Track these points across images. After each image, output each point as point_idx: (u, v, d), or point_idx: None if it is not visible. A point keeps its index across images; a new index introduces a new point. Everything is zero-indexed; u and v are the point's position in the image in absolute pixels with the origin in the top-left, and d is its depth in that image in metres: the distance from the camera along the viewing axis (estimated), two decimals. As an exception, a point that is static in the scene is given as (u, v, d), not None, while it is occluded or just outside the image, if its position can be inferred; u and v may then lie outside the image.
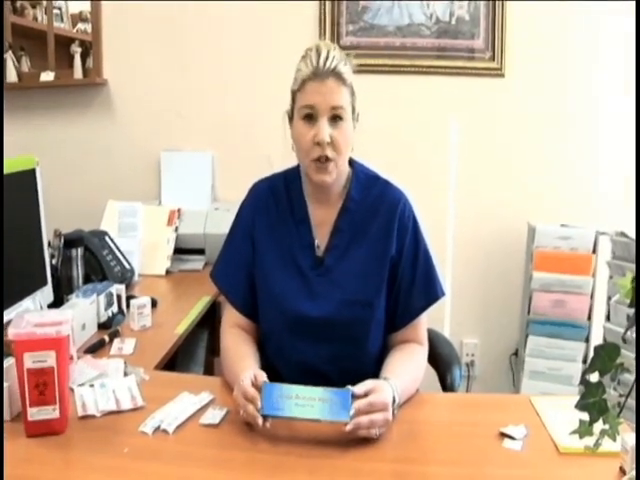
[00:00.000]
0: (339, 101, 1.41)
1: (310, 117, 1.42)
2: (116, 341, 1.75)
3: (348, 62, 1.44)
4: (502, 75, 2.82)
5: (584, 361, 2.68)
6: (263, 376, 1.27)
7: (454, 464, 1.16)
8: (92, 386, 1.39)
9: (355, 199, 1.53)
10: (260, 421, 1.19)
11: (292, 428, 1.24)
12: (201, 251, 2.67)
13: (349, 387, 1.23)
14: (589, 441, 0.95)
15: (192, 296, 2.22)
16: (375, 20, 2.81)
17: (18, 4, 3.01)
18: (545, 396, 1.44)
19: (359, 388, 1.23)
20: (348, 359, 1.49)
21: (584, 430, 0.95)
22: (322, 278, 1.50)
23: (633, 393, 0.93)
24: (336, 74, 1.40)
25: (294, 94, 1.46)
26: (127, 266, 2.32)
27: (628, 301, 0.95)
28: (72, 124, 2.97)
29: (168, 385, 1.44)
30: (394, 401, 1.25)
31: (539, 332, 2.73)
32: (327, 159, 1.43)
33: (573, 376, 2.69)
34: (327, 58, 1.40)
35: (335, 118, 1.41)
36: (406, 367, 1.41)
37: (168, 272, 2.56)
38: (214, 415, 1.29)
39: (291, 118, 1.49)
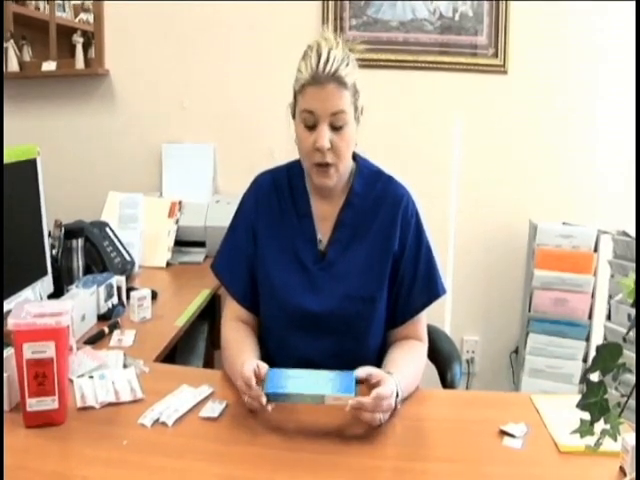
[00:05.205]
0: (339, 106, 1.38)
1: (310, 122, 1.40)
2: (116, 333, 1.75)
3: (350, 61, 1.40)
4: (505, 72, 2.81)
5: (584, 360, 2.68)
6: (265, 367, 1.27)
7: (454, 461, 1.16)
8: (91, 377, 1.39)
9: (358, 194, 1.52)
10: (264, 400, 1.20)
11: (293, 422, 1.24)
12: (202, 244, 2.67)
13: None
14: (590, 441, 0.95)
15: (192, 289, 2.22)
16: (378, 15, 2.80)
17: (20, -7, 3.01)
18: (546, 395, 1.44)
19: (360, 372, 1.26)
20: (349, 354, 1.49)
21: (585, 430, 0.95)
22: (324, 272, 1.50)
23: (634, 393, 0.92)
24: (336, 78, 1.36)
25: (295, 94, 1.44)
26: (127, 257, 2.32)
27: (630, 301, 0.94)
28: (73, 114, 2.96)
29: (168, 378, 1.44)
30: (397, 395, 1.26)
31: (540, 330, 2.73)
32: (328, 164, 1.42)
33: (573, 374, 2.69)
34: (327, 61, 1.36)
35: (335, 123, 1.39)
36: (407, 363, 1.41)
37: (168, 264, 2.56)
38: (213, 408, 1.29)
39: (293, 114, 1.47)
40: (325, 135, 1.38)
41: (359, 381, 1.25)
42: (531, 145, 2.85)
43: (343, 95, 1.38)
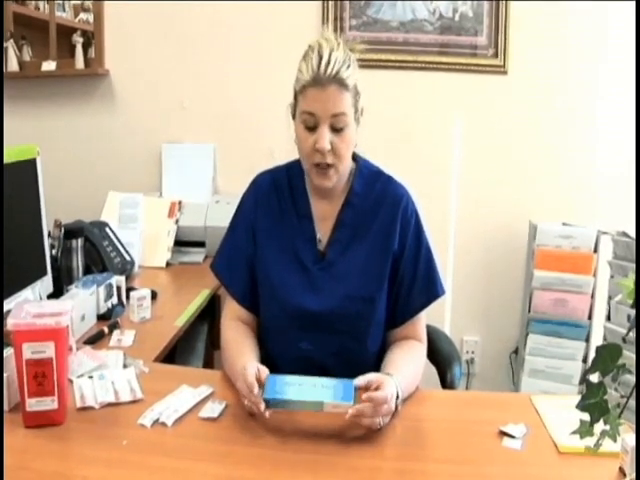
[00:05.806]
0: (340, 108, 1.37)
1: (310, 123, 1.39)
2: (115, 333, 1.75)
3: (351, 62, 1.39)
4: (505, 72, 2.81)
5: (584, 360, 2.69)
6: (266, 372, 1.27)
7: (454, 462, 1.16)
8: (91, 377, 1.39)
9: (358, 194, 1.52)
10: (262, 406, 1.20)
11: (293, 423, 1.24)
12: (201, 244, 2.67)
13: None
14: (589, 441, 0.94)
15: (192, 289, 2.22)
16: (378, 15, 2.80)
17: (20, -7, 3.01)
18: (545, 395, 1.44)
19: (359, 380, 1.25)
20: (349, 354, 1.49)
21: (585, 430, 0.95)
22: (324, 272, 1.50)
23: (634, 394, 0.92)
24: (337, 80, 1.36)
25: (295, 94, 1.43)
26: (127, 257, 2.32)
27: (630, 301, 0.94)
28: (73, 114, 2.96)
29: (167, 378, 1.44)
30: (397, 397, 1.26)
31: (539, 330, 2.73)
32: (327, 165, 1.42)
33: (573, 375, 2.69)
34: (328, 63, 1.35)
35: (336, 125, 1.39)
36: (407, 363, 1.41)
37: (168, 264, 2.56)
38: (213, 409, 1.29)
39: (294, 115, 1.47)
40: (325, 137, 1.38)
41: (359, 389, 1.24)
42: (531, 145, 2.85)
43: (344, 97, 1.38)
